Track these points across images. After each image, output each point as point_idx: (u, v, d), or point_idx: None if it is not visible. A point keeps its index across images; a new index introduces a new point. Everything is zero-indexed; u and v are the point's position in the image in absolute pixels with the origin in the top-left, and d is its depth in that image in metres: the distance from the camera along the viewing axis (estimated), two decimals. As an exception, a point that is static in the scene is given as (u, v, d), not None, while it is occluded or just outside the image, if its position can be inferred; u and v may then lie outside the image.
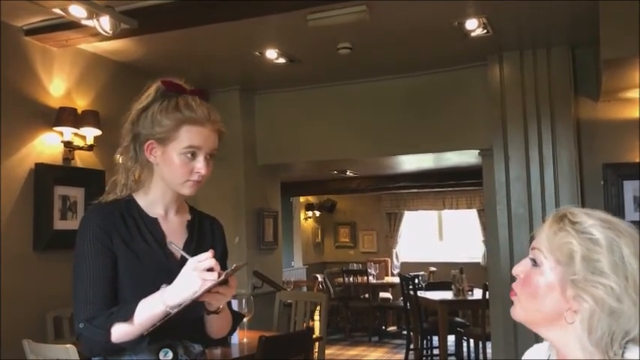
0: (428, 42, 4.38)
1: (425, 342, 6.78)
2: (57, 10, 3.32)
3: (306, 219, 11.32)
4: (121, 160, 1.64)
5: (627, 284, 1.04)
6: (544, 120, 4.48)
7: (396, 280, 8.42)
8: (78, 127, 4.03)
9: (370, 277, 9.19)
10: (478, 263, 9.95)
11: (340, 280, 9.41)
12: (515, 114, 4.56)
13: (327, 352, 4.80)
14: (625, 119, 4.36)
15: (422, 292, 6.90)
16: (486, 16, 3.86)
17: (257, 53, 4.48)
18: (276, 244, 5.89)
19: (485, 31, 4.03)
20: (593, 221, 1.09)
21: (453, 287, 6.56)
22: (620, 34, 3.36)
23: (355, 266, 9.61)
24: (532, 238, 1.17)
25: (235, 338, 3.59)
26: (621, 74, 3.73)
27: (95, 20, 3.31)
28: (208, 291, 1.42)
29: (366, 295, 9.08)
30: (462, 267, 6.87)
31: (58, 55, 4.07)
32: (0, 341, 3.46)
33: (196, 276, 1.40)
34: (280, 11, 3.59)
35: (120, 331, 1.45)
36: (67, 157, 4.05)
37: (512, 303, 1.17)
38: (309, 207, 11.35)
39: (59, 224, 3.91)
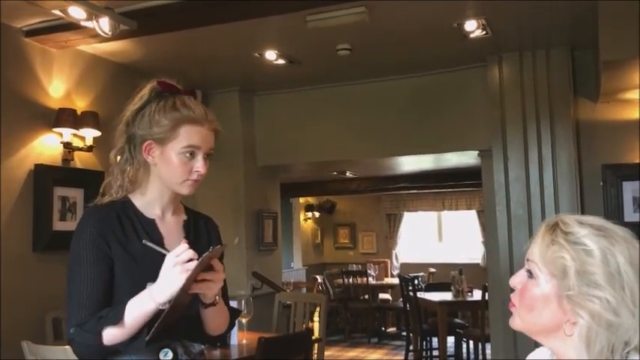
0: (427, 43, 4.39)
1: (424, 343, 6.78)
2: (56, 12, 3.32)
3: (305, 220, 11.31)
4: (116, 161, 1.64)
5: (624, 294, 1.03)
6: (543, 121, 4.48)
7: (396, 281, 8.42)
8: (77, 128, 4.03)
9: (370, 278, 9.19)
10: (477, 264, 9.95)
11: (340, 281, 9.41)
12: (515, 115, 4.56)
13: (326, 353, 4.80)
14: (624, 120, 4.36)
15: (421, 293, 6.91)
16: (486, 18, 3.87)
17: (256, 54, 4.48)
18: (275, 245, 5.89)
19: (484, 32, 4.03)
20: (586, 231, 1.07)
21: (452, 288, 6.56)
22: (619, 36, 3.36)
23: (355, 267, 9.60)
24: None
25: (234, 339, 3.59)
26: (620, 75, 3.74)
27: (94, 21, 3.31)
28: (195, 280, 1.42)
29: (366, 296, 9.08)
30: (462, 268, 6.88)
31: (58, 56, 4.07)
32: (0, 342, 3.45)
33: (178, 271, 1.41)
34: (280, 12, 3.59)
35: (111, 334, 1.45)
36: (67, 158, 4.05)
37: (510, 313, 1.16)
38: (309, 208, 11.35)
39: (58, 225, 3.91)
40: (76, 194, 4.05)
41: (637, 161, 4.25)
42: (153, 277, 1.48)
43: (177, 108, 1.56)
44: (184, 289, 1.41)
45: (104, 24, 3.33)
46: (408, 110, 5.16)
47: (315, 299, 5.14)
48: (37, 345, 2.90)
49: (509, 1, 3.59)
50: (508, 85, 4.61)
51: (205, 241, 1.69)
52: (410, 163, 7.32)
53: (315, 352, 4.05)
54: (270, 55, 4.48)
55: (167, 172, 1.58)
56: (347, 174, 8.42)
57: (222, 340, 1.75)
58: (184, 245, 1.45)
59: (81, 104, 4.19)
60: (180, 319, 1.50)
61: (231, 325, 1.72)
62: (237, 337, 3.60)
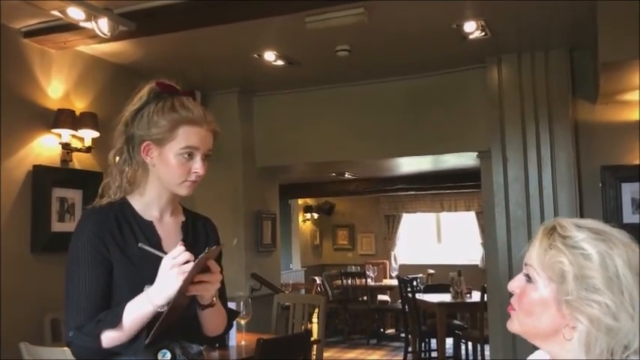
0: (426, 44, 4.39)
1: (423, 344, 6.78)
2: (55, 12, 3.32)
3: (304, 221, 11.31)
4: (114, 162, 1.63)
5: (623, 298, 1.02)
6: (542, 122, 4.48)
7: (395, 282, 8.42)
8: (76, 129, 4.03)
9: (368, 280, 9.20)
10: (476, 265, 9.96)
11: (338, 282, 9.41)
12: (514, 116, 4.56)
13: (325, 354, 4.80)
14: (623, 122, 4.37)
15: (420, 294, 6.91)
16: (485, 19, 3.87)
17: (256, 55, 4.48)
18: (274, 247, 5.88)
19: (483, 33, 4.04)
20: (584, 234, 1.07)
21: (451, 290, 6.56)
22: (618, 37, 3.37)
23: (353, 269, 9.61)
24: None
25: (233, 340, 3.58)
26: (619, 77, 3.74)
27: (93, 22, 3.31)
28: (192, 282, 1.42)
29: (365, 298, 9.07)
30: (461, 269, 6.89)
31: (57, 57, 4.07)
32: (0, 343, 3.45)
33: (175, 273, 1.41)
34: (279, 13, 3.59)
35: (110, 337, 1.45)
36: (65, 159, 4.04)
37: (509, 316, 1.16)
38: (308, 209, 11.35)
39: (57, 226, 3.90)
40: (74, 195, 4.04)
41: (636, 162, 4.25)
42: (151, 279, 1.47)
43: (176, 109, 1.56)
44: (182, 291, 1.41)
45: (103, 25, 3.33)
46: (407, 111, 5.17)
47: (313, 300, 5.14)
48: (34, 346, 2.89)
49: (508, 2, 3.60)
50: (507, 87, 4.62)
51: (204, 243, 1.69)
52: (409, 165, 7.32)
53: (314, 353, 4.05)
54: (269, 56, 4.48)
55: (165, 173, 1.58)
56: (346, 175, 8.43)
57: (220, 340, 1.75)
58: (181, 247, 1.45)
59: (80, 105, 4.18)
60: (178, 320, 1.50)
61: (229, 326, 1.72)
62: (236, 339, 3.60)
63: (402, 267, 10.94)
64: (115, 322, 1.44)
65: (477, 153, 5.09)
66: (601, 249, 1.05)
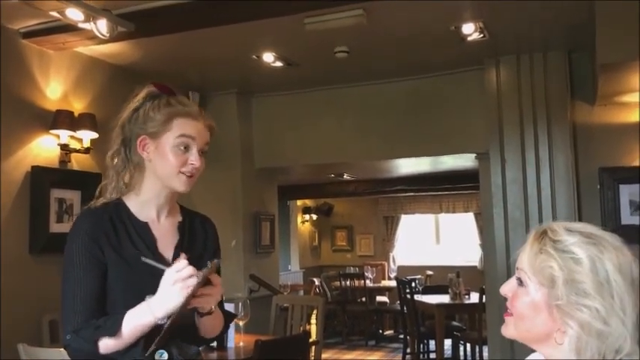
0: (425, 46, 4.39)
1: (422, 346, 6.78)
2: (54, 13, 3.32)
3: (303, 222, 11.31)
4: (112, 163, 1.63)
5: (613, 302, 1.02)
6: (540, 124, 4.49)
7: (393, 283, 8.41)
8: (74, 130, 4.02)
9: (367, 281, 9.20)
10: (475, 267, 9.96)
11: (337, 283, 9.40)
12: (512, 118, 4.57)
13: (323, 356, 4.80)
14: (621, 123, 4.37)
15: (419, 295, 6.91)
16: (483, 21, 3.87)
17: (254, 56, 4.48)
18: (273, 248, 5.88)
19: (481, 35, 4.04)
20: (574, 239, 1.07)
21: (449, 291, 6.56)
22: (617, 39, 3.37)
23: (352, 270, 9.60)
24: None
25: (231, 342, 3.58)
26: (617, 79, 3.74)
27: (92, 23, 3.31)
28: (194, 296, 1.42)
29: (363, 299, 9.07)
30: (459, 271, 6.88)
31: (55, 58, 4.07)
32: (0, 344, 3.45)
33: (178, 288, 1.40)
34: (278, 15, 3.59)
35: (107, 344, 1.45)
36: (64, 160, 4.04)
37: (503, 321, 1.16)
38: (306, 210, 11.34)
39: (55, 227, 3.90)
40: (72, 196, 4.04)
41: (634, 164, 4.26)
42: (146, 281, 1.47)
43: (172, 104, 1.58)
44: (184, 305, 1.41)
45: (102, 26, 3.33)
46: (406, 113, 5.17)
47: (312, 302, 5.13)
48: (32, 347, 2.89)
49: (506, 4, 3.60)
50: (505, 88, 4.62)
51: (201, 242, 1.68)
52: (407, 166, 7.33)
53: (313, 354, 4.04)
54: (268, 57, 4.48)
55: (162, 166, 1.57)
56: (344, 176, 8.43)
57: (218, 340, 1.75)
58: (184, 261, 1.43)
59: (78, 106, 4.18)
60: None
61: (225, 329, 1.72)
62: (235, 340, 3.59)
63: (401, 268, 10.93)
64: (114, 331, 1.44)
65: (475, 154, 5.09)
66: (592, 253, 1.05)
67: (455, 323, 6.97)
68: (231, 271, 5.09)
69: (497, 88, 4.65)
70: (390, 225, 11.33)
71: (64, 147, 4.01)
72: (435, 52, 4.54)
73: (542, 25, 4.02)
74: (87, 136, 4.10)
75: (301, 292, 9.10)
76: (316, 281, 9.39)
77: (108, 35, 3.38)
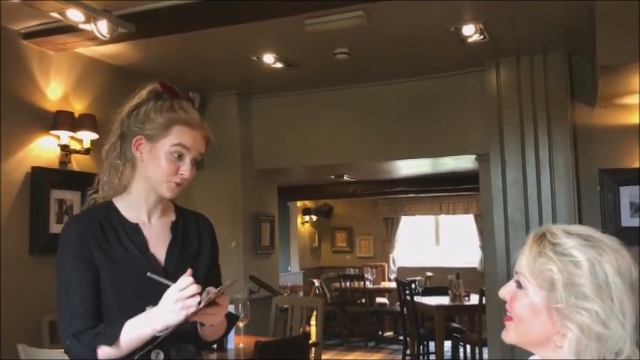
0: (425, 47, 4.39)
1: (421, 347, 6.78)
2: (54, 14, 3.32)
3: (303, 223, 11.31)
4: (106, 156, 1.64)
5: (613, 305, 1.02)
6: (540, 125, 4.49)
7: (393, 285, 8.42)
8: (75, 131, 4.03)
9: (367, 282, 9.19)
10: (475, 268, 9.96)
11: (337, 285, 9.41)
12: (512, 119, 4.57)
13: (323, 357, 4.79)
14: (621, 125, 4.37)
15: (418, 297, 6.91)
16: (483, 22, 3.87)
17: (254, 58, 4.48)
18: (272, 249, 5.88)
19: (482, 36, 4.04)
20: (573, 242, 1.07)
21: (449, 292, 6.56)
22: (617, 41, 3.37)
23: (352, 271, 9.59)
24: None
25: (231, 343, 3.58)
26: (617, 80, 3.74)
27: (93, 24, 3.31)
28: (195, 314, 1.41)
29: (363, 300, 9.07)
30: (459, 272, 6.87)
31: (56, 58, 4.07)
32: (0, 344, 3.45)
33: (179, 307, 1.39)
34: (278, 16, 3.59)
35: (106, 352, 1.45)
36: (64, 161, 4.04)
37: (504, 326, 1.16)
38: (306, 211, 11.34)
39: (55, 228, 3.89)
40: (73, 197, 4.04)
41: (634, 166, 4.26)
42: (137, 283, 1.48)
43: (175, 109, 1.57)
44: (184, 320, 1.40)
45: (102, 27, 3.33)
46: (406, 114, 5.17)
47: (312, 303, 5.13)
48: (32, 348, 2.89)
49: (506, 5, 3.60)
50: (506, 90, 4.62)
51: (196, 240, 1.67)
52: (407, 167, 7.33)
53: (312, 355, 4.04)
54: (268, 58, 4.48)
55: (153, 170, 1.57)
56: (344, 177, 8.42)
57: (218, 342, 1.75)
58: (189, 279, 1.41)
59: (78, 107, 4.18)
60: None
61: (227, 331, 1.71)
62: (234, 341, 3.59)
63: (401, 269, 10.93)
64: (113, 339, 1.44)
65: (475, 156, 5.09)
66: (590, 256, 1.05)
67: (455, 325, 6.96)
68: (230, 272, 5.05)
69: (498, 89, 4.65)
70: (390, 226, 11.33)
71: (64, 148, 4.01)
72: (436, 54, 4.54)
73: (543, 26, 4.02)
74: (87, 136, 4.10)
75: (301, 294, 9.09)
76: (316, 282, 9.38)
77: (108, 36, 3.38)
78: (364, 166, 7.19)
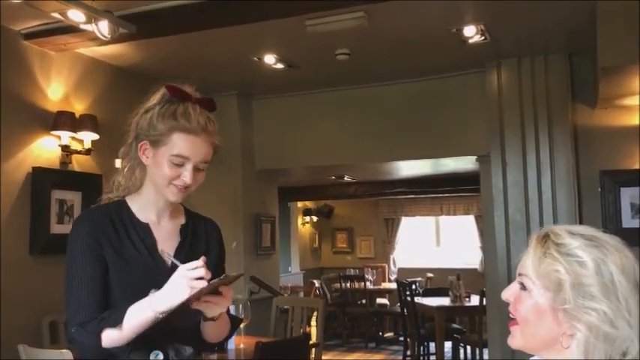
0: (426, 48, 4.39)
1: (422, 348, 6.78)
2: (55, 15, 3.32)
3: (303, 224, 11.31)
4: (122, 156, 1.65)
5: (620, 304, 1.02)
6: (541, 126, 4.49)
7: (393, 286, 8.41)
8: (75, 131, 4.02)
9: (367, 283, 9.20)
10: (475, 269, 9.96)
11: (337, 285, 9.41)
12: (513, 120, 4.57)
13: (323, 358, 4.79)
14: (622, 126, 4.37)
15: (419, 298, 6.91)
16: (484, 23, 3.87)
17: (255, 58, 4.48)
18: (273, 250, 5.88)
19: (483, 37, 4.04)
20: (577, 242, 1.07)
21: (450, 293, 6.56)
22: (618, 42, 3.37)
23: (352, 272, 9.60)
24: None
25: (232, 344, 3.58)
26: (618, 82, 3.74)
27: (94, 25, 3.31)
28: (198, 299, 1.41)
29: (363, 301, 9.07)
30: (459, 273, 6.87)
31: (57, 59, 4.07)
32: (0, 344, 3.45)
33: (184, 284, 1.40)
34: (279, 16, 3.59)
35: (110, 337, 1.46)
36: (65, 161, 4.04)
37: (509, 332, 1.15)
38: (307, 212, 11.34)
39: (56, 228, 3.90)
40: (73, 197, 4.04)
41: (635, 167, 4.26)
42: (144, 282, 1.49)
43: (176, 116, 1.54)
44: (184, 304, 1.40)
45: (103, 27, 3.33)
46: (407, 115, 5.17)
47: (312, 304, 5.13)
48: (33, 348, 2.89)
49: (508, 7, 3.60)
50: (506, 91, 4.62)
51: (204, 244, 1.68)
52: (408, 168, 7.33)
53: (313, 356, 4.04)
54: (269, 59, 4.49)
55: (156, 174, 1.58)
56: (345, 178, 8.42)
57: (220, 345, 1.75)
58: (200, 262, 1.43)
59: (79, 107, 4.19)
60: (177, 325, 1.50)
61: (231, 334, 1.71)
62: (235, 342, 3.59)
63: (401, 270, 10.93)
64: (117, 321, 1.45)
65: (476, 157, 5.09)
66: (595, 256, 1.05)
67: (455, 326, 6.96)
68: (231, 272, 5.08)
69: (499, 90, 4.65)
70: (390, 227, 11.33)
71: (65, 148, 4.01)
72: (436, 55, 4.54)
73: (544, 27, 4.02)
74: (88, 137, 4.10)
75: (301, 294, 9.09)
76: (316, 283, 9.39)
77: (109, 36, 3.38)
78: (365, 167, 7.19)
